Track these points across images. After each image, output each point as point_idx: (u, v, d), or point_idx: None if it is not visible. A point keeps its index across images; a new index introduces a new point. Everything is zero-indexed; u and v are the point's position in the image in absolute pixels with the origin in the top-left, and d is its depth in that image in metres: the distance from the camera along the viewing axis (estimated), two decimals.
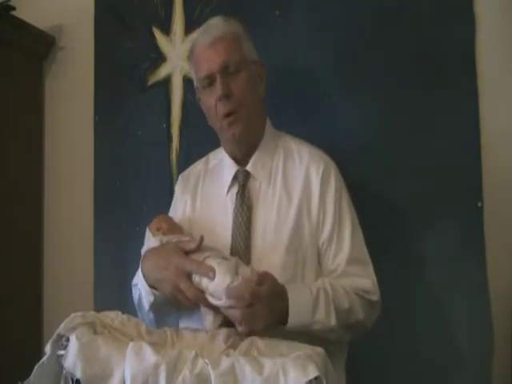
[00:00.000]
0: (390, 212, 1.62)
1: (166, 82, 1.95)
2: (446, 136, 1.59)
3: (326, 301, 1.21)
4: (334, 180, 1.36)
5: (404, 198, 1.62)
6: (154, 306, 1.28)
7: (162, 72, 1.96)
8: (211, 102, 1.35)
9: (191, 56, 1.42)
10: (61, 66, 2.14)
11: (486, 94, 1.57)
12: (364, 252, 1.34)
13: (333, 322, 1.20)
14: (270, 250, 1.30)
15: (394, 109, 1.65)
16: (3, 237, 1.91)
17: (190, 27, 1.92)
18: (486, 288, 1.52)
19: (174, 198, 1.53)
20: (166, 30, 1.96)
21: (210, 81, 1.35)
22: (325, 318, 1.20)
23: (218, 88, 1.32)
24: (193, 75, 1.44)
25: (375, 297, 1.29)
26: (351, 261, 1.30)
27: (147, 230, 1.39)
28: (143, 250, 1.35)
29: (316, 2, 1.75)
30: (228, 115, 1.34)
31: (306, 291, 1.21)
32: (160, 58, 1.96)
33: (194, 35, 1.87)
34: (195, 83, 1.43)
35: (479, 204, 1.55)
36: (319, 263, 1.33)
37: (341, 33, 1.71)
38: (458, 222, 1.56)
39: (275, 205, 1.34)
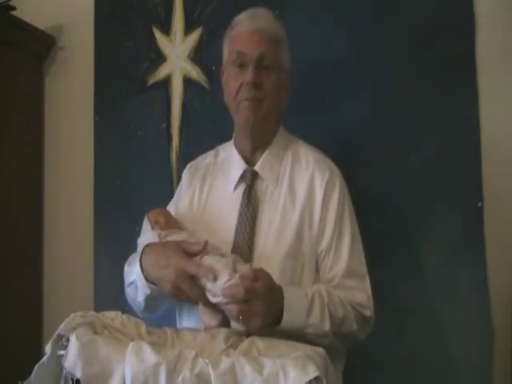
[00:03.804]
0: (389, 212, 1.62)
1: (166, 82, 1.95)
2: (446, 136, 1.60)
3: (321, 306, 1.20)
4: (338, 190, 1.35)
5: (404, 197, 1.62)
6: (148, 298, 1.28)
7: (162, 72, 1.96)
8: (235, 83, 1.34)
9: (229, 31, 1.40)
10: (61, 66, 2.13)
11: (486, 94, 1.57)
12: (362, 266, 1.33)
13: (327, 327, 1.19)
14: (271, 253, 1.29)
15: (393, 109, 1.65)
16: (3, 237, 1.91)
17: (189, 27, 1.92)
18: (486, 288, 1.52)
19: (180, 186, 1.51)
20: (166, 30, 1.96)
21: (240, 60, 1.33)
22: (319, 322, 1.19)
23: (248, 73, 1.31)
24: (224, 49, 1.42)
25: (369, 312, 1.28)
26: (348, 273, 1.29)
27: (145, 219, 1.39)
28: (140, 241, 1.34)
29: (316, 1, 1.76)
30: (250, 100, 1.33)
31: (302, 294, 1.20)
32: (160, 58, 1.96)
33: (194, 35, 1.91)
34: (224, 56, 1.41)
35: (479, 204, 1.55)
36: (317, 271, 1.32)
37: (341, 33, 1.71)
38: (458, 222, 1.56)
39: (279, 209, 1.34)
